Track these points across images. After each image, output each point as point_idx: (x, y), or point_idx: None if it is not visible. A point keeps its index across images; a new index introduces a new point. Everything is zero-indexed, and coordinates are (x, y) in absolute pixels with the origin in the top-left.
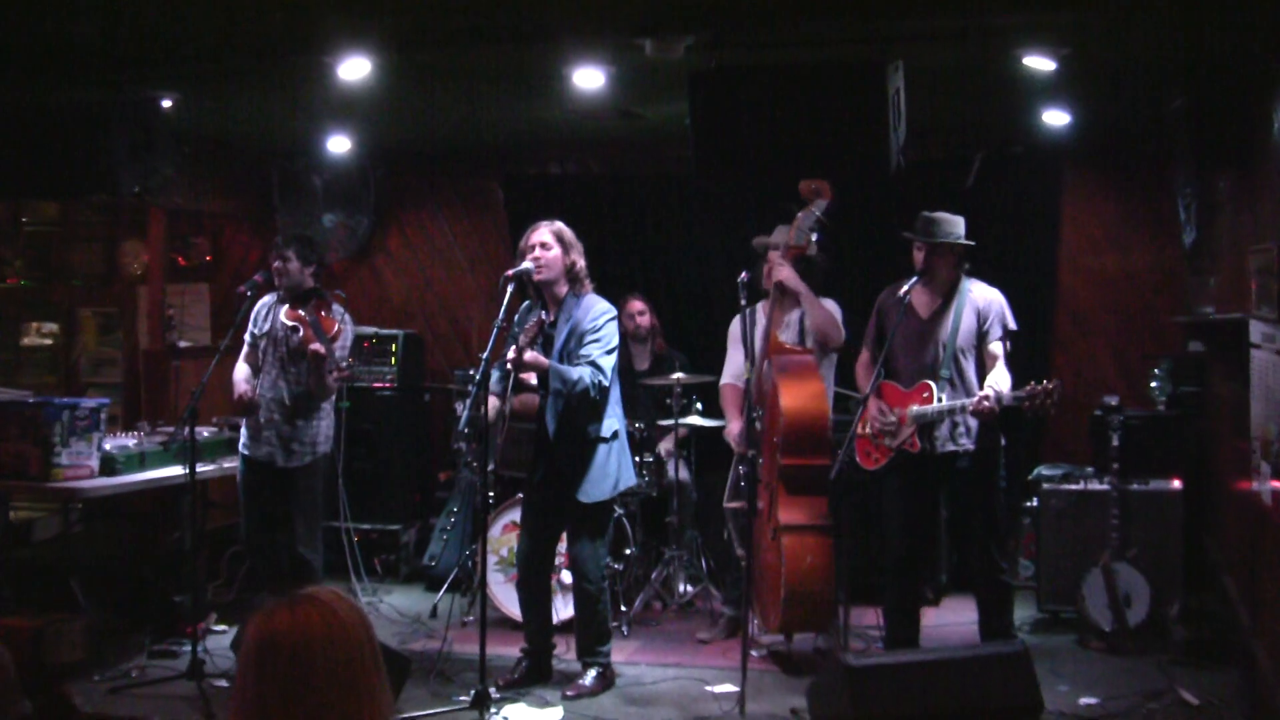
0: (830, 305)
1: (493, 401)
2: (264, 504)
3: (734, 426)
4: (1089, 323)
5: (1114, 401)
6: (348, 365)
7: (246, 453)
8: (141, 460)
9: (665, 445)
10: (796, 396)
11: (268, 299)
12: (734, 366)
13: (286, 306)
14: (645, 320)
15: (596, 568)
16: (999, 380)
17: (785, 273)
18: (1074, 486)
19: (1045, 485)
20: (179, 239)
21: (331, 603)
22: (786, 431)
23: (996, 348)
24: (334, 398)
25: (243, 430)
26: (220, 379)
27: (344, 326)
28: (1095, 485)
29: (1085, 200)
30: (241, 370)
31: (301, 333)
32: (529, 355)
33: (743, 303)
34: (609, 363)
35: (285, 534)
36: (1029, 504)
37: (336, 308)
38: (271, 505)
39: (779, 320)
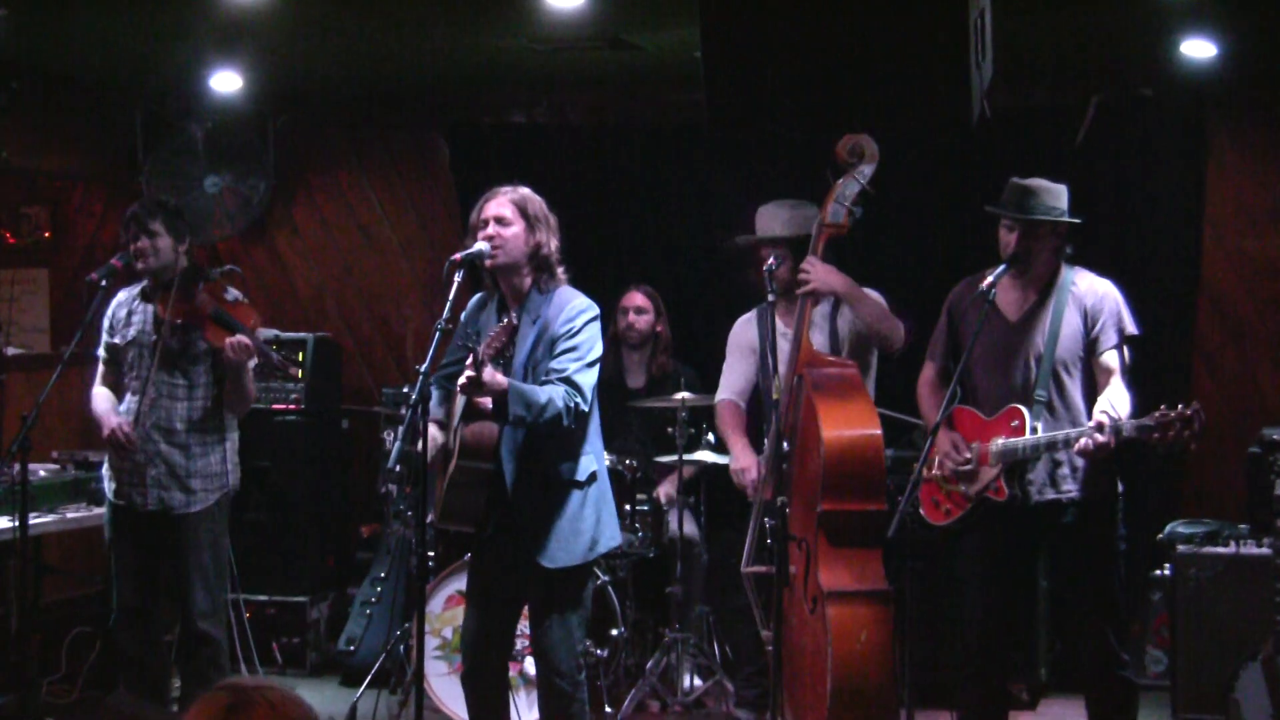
0: (874, 295)
1: (433, 431)
2: (145, 561)
3: (745, 460)
4: (1243, 327)
5: (1277, 435)
6: (281, 358)
7: (123, 502)
8: None
9: (665, 489)
10: (841, 420)
11: (124, 295)
12: (737, 380)
13: (172, 302)
14: (645, 321)
15: (569, 655)
16: (1116, 403)
17: (821, 273)
18: (1222, 550)
19: (1182, 548)
20: (7, 208)
21: (282, 705)
22: (829, 466)
23: (1111, 359)
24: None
25: (106, 472)
26: (63, 398)
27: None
28: (1252, 549)
29: (1239, 162)
30: (104, 399)
31: (205, 331)
32: (487, 375)
33: (770, 298)
34: (588, 380)
35: (168, 605)
36: (1160, 573)
37: (232, 291)
38: (155, 564)
39: (807, 320)
